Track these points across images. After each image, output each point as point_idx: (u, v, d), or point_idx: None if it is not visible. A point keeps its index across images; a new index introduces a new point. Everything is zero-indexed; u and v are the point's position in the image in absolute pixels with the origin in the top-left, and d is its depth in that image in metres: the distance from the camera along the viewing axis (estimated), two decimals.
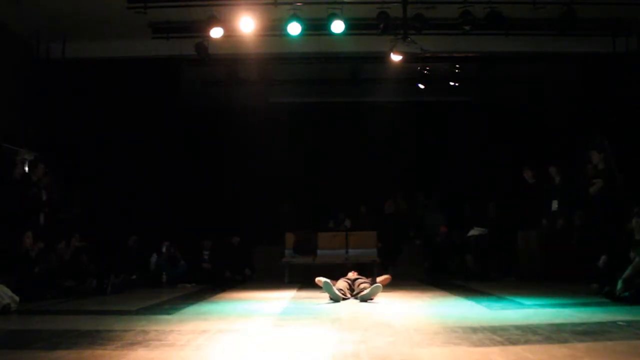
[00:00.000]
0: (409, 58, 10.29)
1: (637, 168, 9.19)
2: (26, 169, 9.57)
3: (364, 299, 7.04)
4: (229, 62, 12.10)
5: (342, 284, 7.43)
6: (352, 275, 7.76)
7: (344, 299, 7.15)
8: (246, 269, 11.69)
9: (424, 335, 4.53)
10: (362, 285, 7.36)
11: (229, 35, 10.16)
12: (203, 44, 10.59)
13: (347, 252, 11.62)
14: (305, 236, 11.55)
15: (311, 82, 13.45)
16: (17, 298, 6.65)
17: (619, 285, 6.56)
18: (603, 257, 7.86)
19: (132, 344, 4.22)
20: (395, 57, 10.15)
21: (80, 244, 9.60)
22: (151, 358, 3.80)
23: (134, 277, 9.98)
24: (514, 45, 11.09)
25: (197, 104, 13.59)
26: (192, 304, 7.26)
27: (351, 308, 6.65)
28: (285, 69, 12.79)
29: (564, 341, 4.10)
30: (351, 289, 7.41)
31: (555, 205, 10.03)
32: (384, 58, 10.66)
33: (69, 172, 10.43)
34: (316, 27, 10.23)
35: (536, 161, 10.82)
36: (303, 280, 10.60)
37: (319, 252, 11.50)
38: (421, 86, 12.21)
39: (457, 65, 12.27)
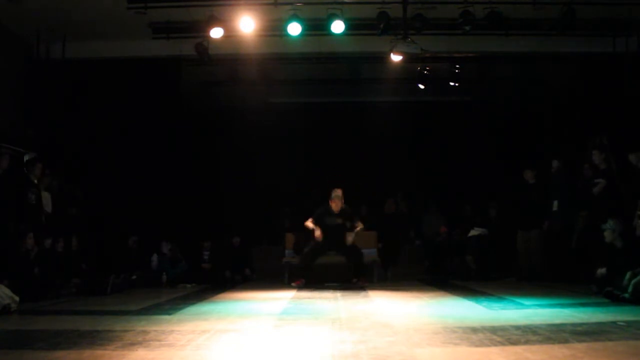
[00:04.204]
0: (408, 58, 10.25)
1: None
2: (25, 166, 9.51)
3: None
4: (229, 62, 12.09)
5: None
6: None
7: None
8: (246, 269, 11.68)
9: (423, 335, 4.53)
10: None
11: (229, 35, 10.15)
12: (203, 44, 10.58)
13: None
14: (305, 236, 11.52)
15: (311, 82, 13.43)
16: (17, 298, 6.66)
17: (630, 288, 6.46)
18: (601, 270, 7.68)
19: (132, 344, 4.23)
20: (395, 57, 10.13)
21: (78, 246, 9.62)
22: (151, 358, 3.80)
23: (134, 277, 9.98)
24: (514, 45, 11.07)
25: (197, 104, 13.58)
26: (192, 304, 7.26)
27: (351, 308, 6.66)
28: (285, 69, 12.77)
29: (564, 341, 4.11)
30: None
31: (555, 205, 10.02)
32: (384, 58, 10.64)
33: (69, 172, 10.42)
34: (316, 27, 10.20)
35: (536, 161, 10.82)
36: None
37: None
38: (421, 86, 12.20)
39: (457, 65, 12.27)
